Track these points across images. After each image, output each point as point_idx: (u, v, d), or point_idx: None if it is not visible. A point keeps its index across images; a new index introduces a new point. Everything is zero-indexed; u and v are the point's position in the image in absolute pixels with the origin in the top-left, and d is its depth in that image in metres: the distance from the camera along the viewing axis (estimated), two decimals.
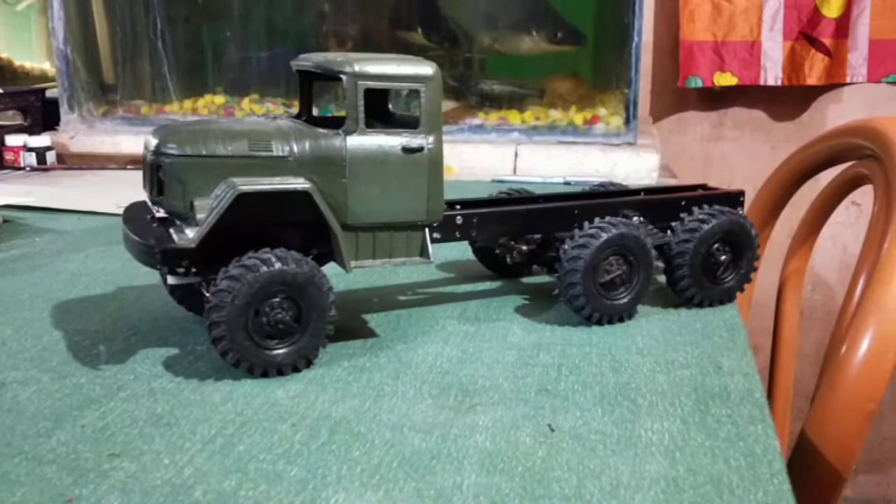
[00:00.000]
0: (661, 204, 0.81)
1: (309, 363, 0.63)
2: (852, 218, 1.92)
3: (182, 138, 0.62)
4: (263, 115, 1.65)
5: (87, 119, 1.70)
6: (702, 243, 0.75)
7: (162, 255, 0.59)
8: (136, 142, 1.57)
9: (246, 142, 0.62)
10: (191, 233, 0.60)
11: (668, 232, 0.77)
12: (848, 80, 1.85)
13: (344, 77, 0.64)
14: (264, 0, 1.70)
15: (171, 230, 0.63)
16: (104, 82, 1.74)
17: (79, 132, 1.68)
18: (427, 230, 0.68)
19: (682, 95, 1.96)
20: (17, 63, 2.17)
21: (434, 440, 0.52)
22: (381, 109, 0.73)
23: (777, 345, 1.19)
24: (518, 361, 0.65)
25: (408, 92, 0.67)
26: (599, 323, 0.72)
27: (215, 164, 0.61)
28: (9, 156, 1.55)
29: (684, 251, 0.75)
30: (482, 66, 1.65)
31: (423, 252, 0.69)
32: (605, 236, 0.70)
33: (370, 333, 0.71)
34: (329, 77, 0.67)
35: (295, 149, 0.63)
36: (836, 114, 1.91)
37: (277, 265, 0.59)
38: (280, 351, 0.61)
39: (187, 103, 1.71)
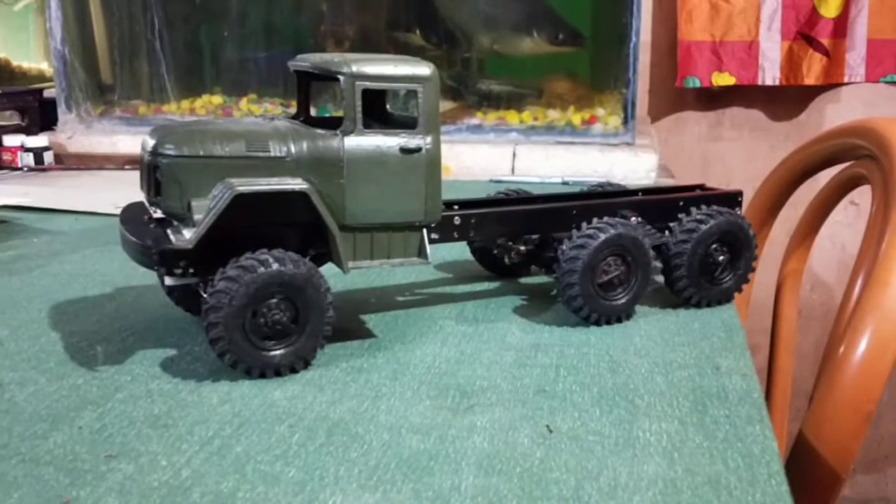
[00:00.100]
0: (659, 204, 0.81)
1: (307, 364, 0.63)
2: (851, 217, 1.92)
3: (179, 139, 0.61)
4: (261, 116, 1.64)
5: (85, 119, 1.70)
6: (700, 244, 0.75)
7: (159, 256, 0.59)
8: (133, 142, 1.57)
9: (243, 142, 0.62)
10: (188, 233, 0.60)
11: (667, 232, 0.77)
12: (846, 79, 1.85)
13: (341, 77, 0.64)
14: (262, 0, 1.70)
15: (169, 231, 0.63)
16: (102, 82, 1.74)
17: (76, 132, 1.68)
18: (425, 230, 0.68)
19: (680, 95, 1.96)
20: (14, 63, 2.17)
21: (432, 441, 0.52)
22: (378, 110, 0.73)
23: (775, 344, 1.19)
24: (516, 362, 0.65)
25: (405, 92, 0.67)
26: (597, 323, 0.72)
27: (213, 165, 0.61)
28: (6, 156, 1.55)
29: (682, 251, 0.75)
30: (480, 66, 1.65)
31: (421, 252, 0.69)
32: (603, 237, 0.70)
33: (368, 334, 0.71)
34: (327, 77, 0.67)
35: (292, 149, 0.63)
36: (834, 114, 1.92)
37: (275, 266, 0.59)
38: (278, 352, 0.61)
39: (185, 103, 1.71)
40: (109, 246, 1.00)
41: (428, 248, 0.68)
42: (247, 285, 0.58)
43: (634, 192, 0.87)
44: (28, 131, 1.67)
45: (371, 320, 0.74)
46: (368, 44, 1.68)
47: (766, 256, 1.14)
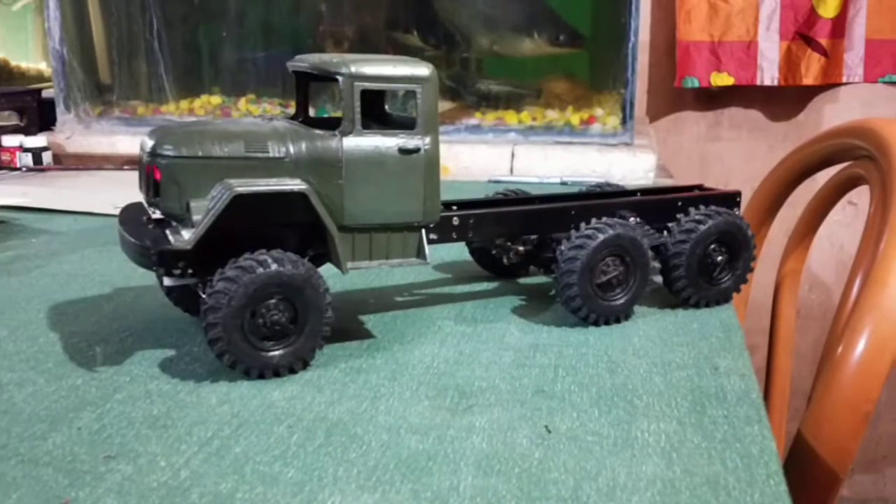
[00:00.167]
0: (658, 205, 0.81)
1: (305, 365, 0.63)
2: (849, 217, 1.92)
3: (178, 139, 0.61)
4: (260, 116, 1.64)
5: (84, 119, 1.70)
6: (698, 244, 0.75)
7: (158, 257, 0.59)
8: (132, 142, 1.57)
9: (242, 143, 0.62)
10: (187, 234, 0.60)
11: (665, 233, 0.77)
12: (844, 80, 1.85)
13: (340, 78, 0.64)
14: (261, 0, 1.70)
15: (168, 231, 0.63)
16: (100, 82, 1.74)
17: (75, 132, 1.67)
18: (424, 231, 0.68)
19: (678, 95, 1.96)
20: (13, 63, 2.17)
21: (431, 442, 0.52)
22: (377, 110, 0.73)
23: (773, 344, 1.19)
24: (515, 362, 0.65)
25: (404, 93, 0.67)
26: (596, 324, 0.72)
27: (211, 166, 0.61)
28: (5, 156, 1.55)
29: (681, 252, 0.75)
30: (479, 66, 1.65)
31: (420, 253, 0.69)
32: (601, 237, 0.70)
33: (367, 334, 0.71)
34: (325, 78, 0.67)
35: (291, 150, 0.63)
36: (832, 114, 1.92)
37: (274, 266, 0.59)
38: (276, 352, 0.61)
39: (184, 104, 1.71)
40: (108, 246, 1.00)
41: (426, 248, 0.68)
42: (245, 286, 0.58)
43: (633, 192, 0.87)
44: (27, 131, 1.67)
45: (370, 321, 0.74)
46: (367, 44, 1.68)
47: (764, 256, 1.14)
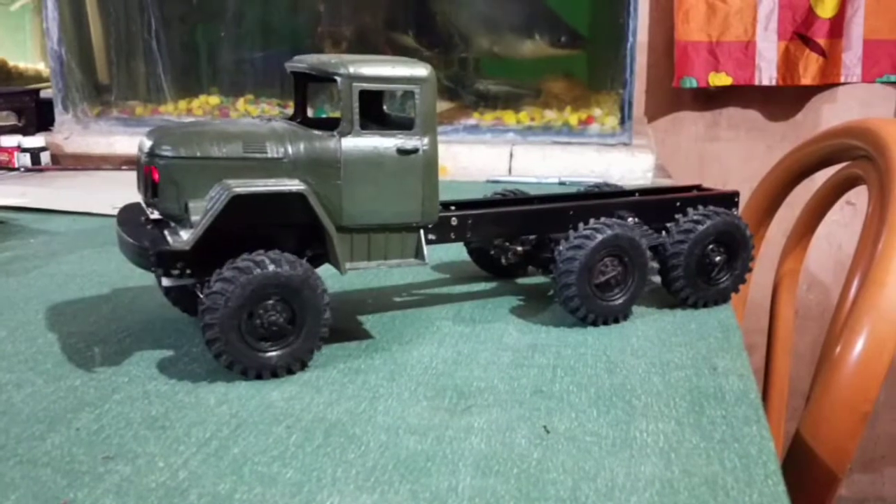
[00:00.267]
0: (656, 205, 0.81)
1: (303, 365, 0.63)
2: (847, 217, 1.92)
3: (176, 140, 0.61)
4: (258, 117, 1.64)
5: (82, 119, 1.70)
6: (696, 244, 0.75)
7: (157, 258, 0.59)
8: (130, 142, 1.57)
9: (240, 143, 0.62)
10: (185, 235, 0.60)
11: (663, 233, 0.77)
12: (842, 80, 1.86)
13: (339, 79, 0.64)
14: (259, 0, 1.69)
15: (166, 232, 0.63)
16: (99, 83, 1.74)
17: (73, 133, 1.67)
18: (422, 231, 0.68)
19: (676, 95, 1.96)
20: (11, 63, 2.17)
21: (429, 442, 0.52)
22: (376, 111, 0.73)
23: (772, 344, 1.19)
24: (513, 363, 0.65)
25: (403, 93, 0.67)
26: (594, 324, 0.72)
27: (210, 166, 0.61)
28: (3, 156, 1.55)
29: (679, 252, 0.75)
30: (477, 66, 1.65)
31: (418, 253, 0.69)
32: (600, 237, 0.70)
33: (365, 335, 0.71)
34: (324, 78, 0.67)
35: (290, 150, 0.63)
36: (830, 114, 1.92)
37: (271, 267, 0.59)
38: (274, 353, 0.61)
39: (182, 104, 1.71)
40: (107, 247, 1.00)
41: (425, 248, 0.68)
42: (242, 286, 0.58)
43: (631, 192, 0.87)
44: (25, 132, 1.67)
45: (368, 321, 0.74)
46: (366, 45, 1.68)
47: (762, 256, 1.14)
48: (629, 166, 1.45)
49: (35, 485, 0.47)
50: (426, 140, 0.66)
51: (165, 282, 0.61)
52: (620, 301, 0.73)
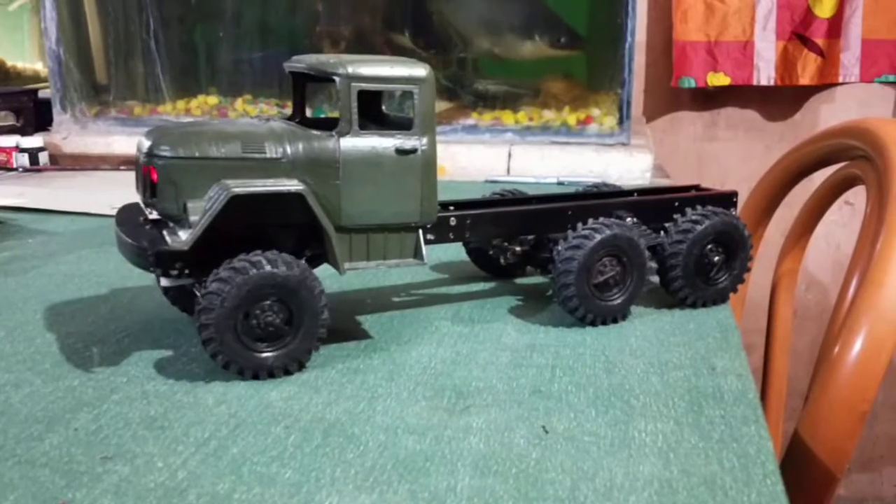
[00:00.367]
0: (655, 205, 0.81)
1: (301, 366, 0.63)
2: (846, 217, 1.92)
3: (175, 140, 0.61)
4: (257, 117, 1.64)
5: (80, 120, 1.70)
6: (695, 244, 0.75)
7: (155, 258, 0.59)
8: (128, 142, 1.57)
9: (239, 143, 0.62)
10: (184, 235, 0.60)
11: (662, 233, 0.77)
12: (840, 79, 1.86)
13: (337, 79, 0.64)
14: (258, 1, 1.69)
15: (165, 232, 0.63)
16: (97, 83, 1.74)
17: (71, 133, 1.67)
18: (421, 231, 0.68)
19: (675, 95, 1.97)
20: (9, 63, 2.17)
21: (428, 442, 0.52)
22: (374, 111, 0.73)
23: (770, 344, 1.19)
24: (512, 363, 0.65)
25: (401, 93, 0.67)
26: (593, 324, 0.72)
27: (208, 166, 0.61)
28: (1, 156, 1.54)
29: (677, 252, 0.75)
30: (476, 66, 1.65)
31: (417, 253, 0.69)
32: (598, 237, 0.70)
33: (364, 335, 0.71)
34: (322, 78, 0.67)
35: (288, 150, 0.63)
36: (828, 114, 1.92)
37: (267, 267, 0.59)
38: (270, 353, 0.61)
39: (180, 104, 1.70)
40: (105, 247, 1.00)
41: (424, 248, 0.68)
42: (238, 287, 0.58)
43: (630, 192, 0.87)
44: (23, 132, 1.66)
45: (367, 321, 0.74)
46: (364, 45, 1.68)
47: (761, 256, 1.14)
48: (627, 166, 1.45)
49: (33, 485, 0.47)
50: (425, 140, 0.66)
51: (164, 282, 0.61)
52: (619, 301, 0.73)
